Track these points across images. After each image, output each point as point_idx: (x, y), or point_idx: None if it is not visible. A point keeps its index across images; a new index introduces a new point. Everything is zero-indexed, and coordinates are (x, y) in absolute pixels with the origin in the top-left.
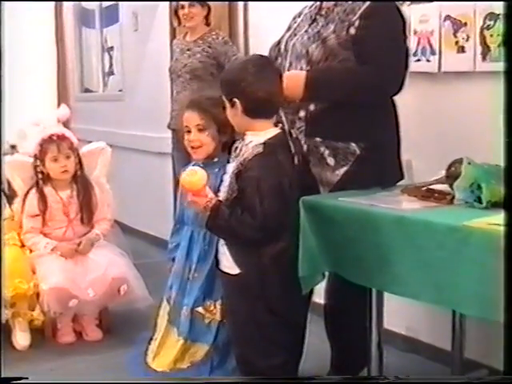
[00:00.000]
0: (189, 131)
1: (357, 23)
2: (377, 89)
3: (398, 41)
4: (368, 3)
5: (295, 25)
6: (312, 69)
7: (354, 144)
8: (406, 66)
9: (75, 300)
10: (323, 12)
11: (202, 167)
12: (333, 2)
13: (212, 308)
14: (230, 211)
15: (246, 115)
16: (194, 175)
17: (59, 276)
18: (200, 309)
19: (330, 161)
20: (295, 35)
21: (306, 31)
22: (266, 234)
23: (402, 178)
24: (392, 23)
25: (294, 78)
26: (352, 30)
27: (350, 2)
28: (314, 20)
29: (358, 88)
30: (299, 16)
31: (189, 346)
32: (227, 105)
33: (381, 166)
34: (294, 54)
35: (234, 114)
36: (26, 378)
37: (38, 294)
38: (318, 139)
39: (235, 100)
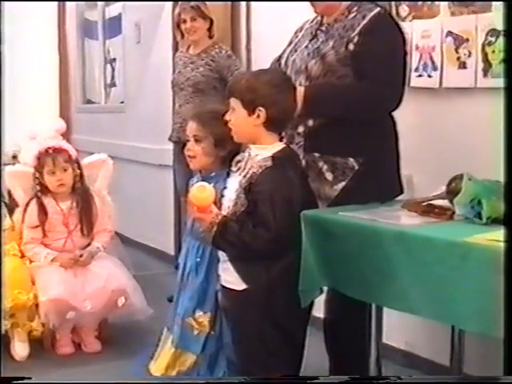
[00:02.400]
0: (188, 140)
1: (356, 39)
2: (375, 105)
3: (396, 57)
4: (367, 20)
5: (296, 40)
6: (310, 84)
7: (352, 159)
8: (404, 83)
9: (73, 312)
10: (323, 28)
11: (201, 180)
12: (333, 18)
13: (202, 320)
14: (239, 226)
15: (264, 126)
16: (203, 192)
17: (59, 287)
18: (190, 319)
19: (329, 176)
20: (296, 51)
21: (306, 47)
22: (278, 248)
23: (401, 192)
24: (391, 39)
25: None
26: (351, 46)
27: (349, 18)
28: (315, 36)
29: (355, 104)
30: (301, 30)
31: (179, 355)
32: (242, 112)
33: (379, 180)
34: (294, 70)
35: (251, 124)
36: (30, 378)
37: (37, 305)
38: (316, 154)
39: (261, 109)
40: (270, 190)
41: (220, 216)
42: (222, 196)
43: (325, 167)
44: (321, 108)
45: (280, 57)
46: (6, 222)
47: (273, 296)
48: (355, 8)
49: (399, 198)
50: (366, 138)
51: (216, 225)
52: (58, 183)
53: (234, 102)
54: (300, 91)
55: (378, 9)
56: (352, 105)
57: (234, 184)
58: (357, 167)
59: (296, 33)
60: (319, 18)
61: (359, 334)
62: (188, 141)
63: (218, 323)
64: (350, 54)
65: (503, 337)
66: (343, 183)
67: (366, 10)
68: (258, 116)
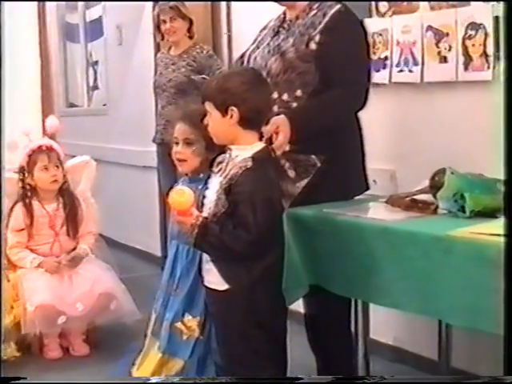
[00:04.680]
0: (177, 143)
1: (317, 38)
2: (348, 110)
3: (361, 55)
4: (328, 18)
5: (259, 38)
6: (292, 113)
7: (314, 156)
8: (370, 78)
9: (63, 317)
10: (285, 25)
11: (188, 182)
12: (295, 15)
13: (191, 324)
14: (219, 227)
15: (240, 125)
16: (182, 195)
17: (45, 293)
18: (179, 324)
19: (291, 173)
20: (258, 48)
21: (268, 44)
22: (259, 249)
23: (367, 188)
24: (354, 37)
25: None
26: (313, 45)
27: (310, 15)
28: (277, 33)
29: (335, 116)
30: (264, 29)
31: (167, 360)
32: (217, 114)
33: (342, 177)
34: (256, 67)
35: (226, 124)
36: (25, 378)
37: (17, 324)
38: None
39: (233, 108)
40: (250, 191)
41: (200, 218)
42: (204, 197)
43: (287, 165)
44: (308, 131)
45: (242, 55)
46: None
47: (255, 295)
48: (316, 5)
49: (383, 193)
50: (328, 136)
51: (197, 227)
52: (52, 179)
53: (208, 106)
54: (283, 120)
55: (339, 6)
56: (332, 118)
57: (214, 185)
58: (319, 164)
59: (260, 31)
60: (282, 16)
61: (342, 328)
62: (177, 143)
63: (207, 327)
64: (313, 53)
65: (503, 336)
66: (305, 180)
67: (327, 8)
68: (232, 116)
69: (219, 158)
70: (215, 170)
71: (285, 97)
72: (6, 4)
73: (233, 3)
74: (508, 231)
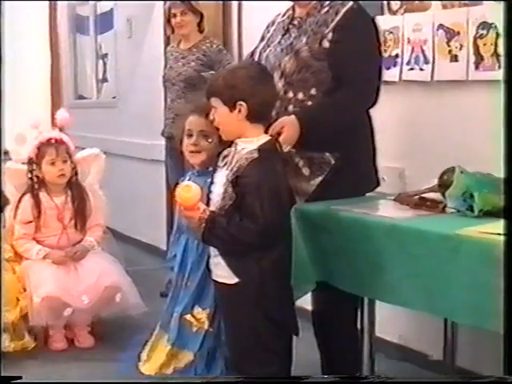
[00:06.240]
0: (190, 135)
1: (330, 36)
2: (360, 109)
3: (372, 54)
4: (341, 16)
5: (268, 35)
6: (300, 113)
7: (328, 154)
8: (381, 76)
9: (70, 309)
10: (296, 22)
11: (196, 176)
12: (305, 12)
13: (200, 316)
14: (227, 220)
15: (248, 119)
16: (188, 191)
17: (51, 285)
18: (188, 316)
19: (305, 171)
20: (268, 46)
21: (279, 42)
22: (266, 240)
23: (377, 184)
24: (366, 35)
25: (290, 122)
26: (325, 43)
27: (322, 13)
28: (287, 31)
29: (346, 115)
30: (272, 25)
31: (176, 353)
32: (224, 110)
33: (356, 174)
34: (268, 66)
35: (235, 119)
36: (20, 378)
37: (25, 316)
38: (292, 150)
39: (241, 103)
40: (256, 182)
41: (208, 212)
42: (210, 192)
43: (301, 162)
44: (322, 130)
45: (253, 52)
46: None
47: (264, 288)
48: (327, 2)
49: (391, 191)
50: (341, 133)
51: (204, 221)
52: (60, 173)
53: (215, 102)
54: (290, 121)
55: (351, 3)
56: (346, 116)
57: (221, 178)
58: (333, 162)
59: (268, 27)
60: (291, 12)
61: (347, 325)
62: (191, 135)
63: (217, 320)
64: (326, 52)
65: (503, 336)
66: (320, 178)
67: (339, 5)
68: (240, 110)
69: (224, 152)
70: (220, 164)
71: (300, 96)
72: None
73: None
74: (507, 230)
